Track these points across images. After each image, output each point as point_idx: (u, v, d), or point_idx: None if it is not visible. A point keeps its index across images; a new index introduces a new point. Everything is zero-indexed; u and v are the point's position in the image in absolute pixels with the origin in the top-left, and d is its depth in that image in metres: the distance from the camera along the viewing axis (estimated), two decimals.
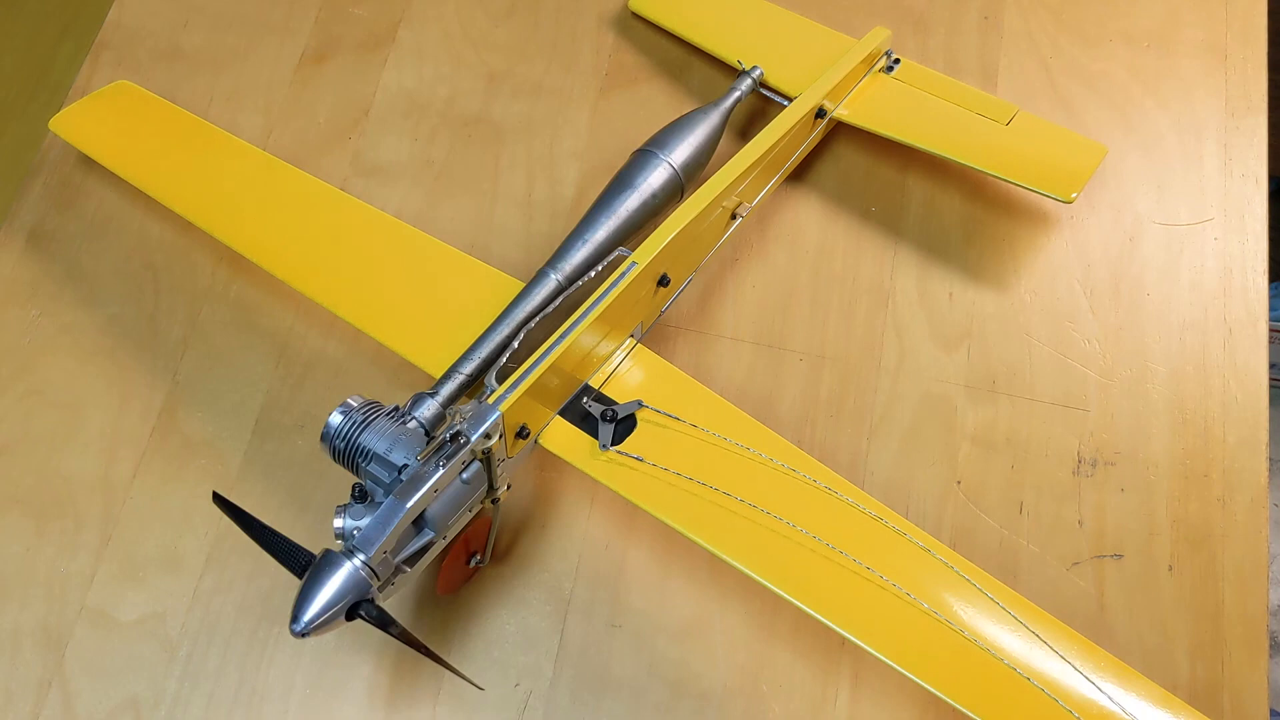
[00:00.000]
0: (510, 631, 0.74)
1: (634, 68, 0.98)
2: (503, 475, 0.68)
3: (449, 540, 0.67)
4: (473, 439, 0.63)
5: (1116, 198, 0.90)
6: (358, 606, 0.60)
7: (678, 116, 0.84)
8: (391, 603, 0.67)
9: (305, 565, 0.61)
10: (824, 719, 0.71)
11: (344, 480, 0.68)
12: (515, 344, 0.69)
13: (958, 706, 0.60)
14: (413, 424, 0.67)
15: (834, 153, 0.93)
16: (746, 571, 0.64)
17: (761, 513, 0.66)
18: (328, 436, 0.66)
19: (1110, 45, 0.97)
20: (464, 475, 0.65)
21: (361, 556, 0.60)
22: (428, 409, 0.68)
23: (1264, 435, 0.80)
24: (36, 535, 0.78)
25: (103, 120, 0.92)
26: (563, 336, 0.68)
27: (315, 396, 0.83)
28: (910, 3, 0.99)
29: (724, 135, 0.86)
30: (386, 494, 0.62)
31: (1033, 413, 0.81)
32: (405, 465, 0.63)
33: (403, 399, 0.69)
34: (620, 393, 0.72)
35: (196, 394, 0.83)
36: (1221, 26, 0.97)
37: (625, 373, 0.74)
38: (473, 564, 0.74)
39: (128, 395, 0.83)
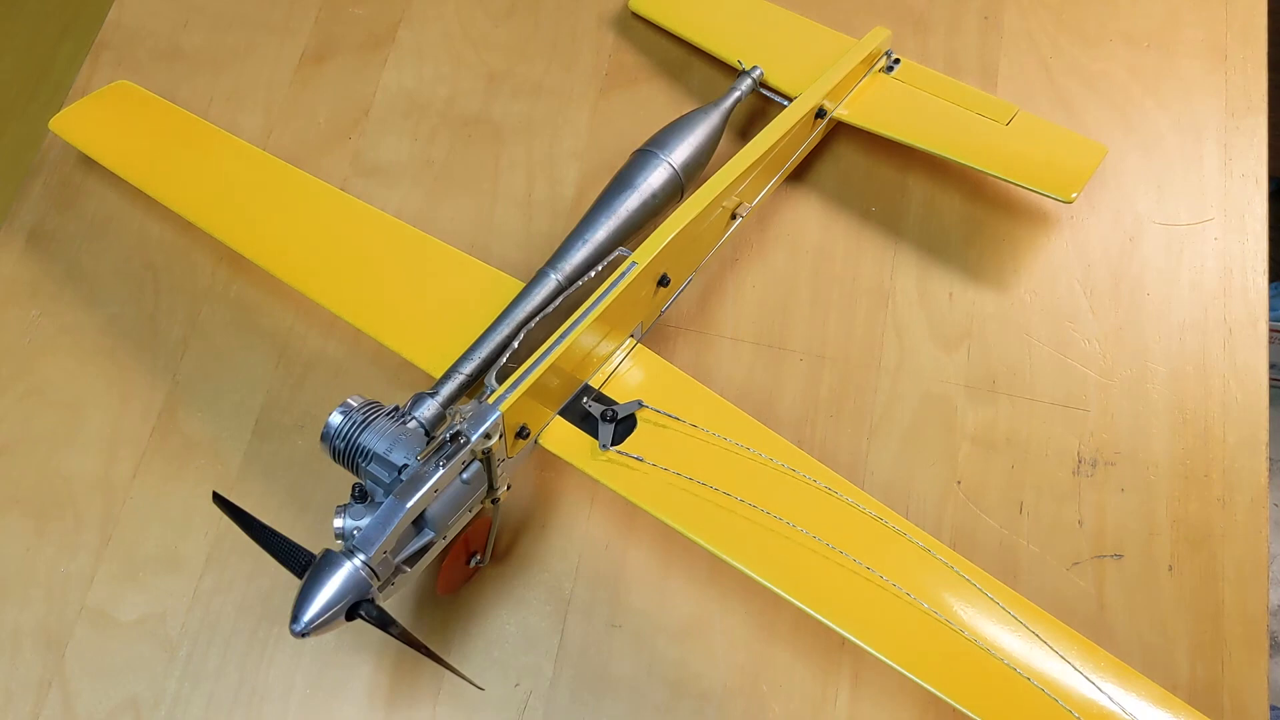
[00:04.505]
0: (510, 631, 0.74)
1: (634, 68, 0.98)
2: (503, 475, 0.68)
3: (449, 540, 0.67)
4: (473, 439, 0.63)
5: (1116, 198, 0.90)
6: (358, 606, 0.60)
7: (678, 116, 0.84)
8: (391, 603, 0.67)
9: (305, 565, 0.61)
10: (824, 719, 0.71)
11: (344, 480, 0.68)
12: (515, 344, 0.69)
13: (958, 706, 0.60)
14: (413, 424, 0.67)
15: (834, 153, 0.93)
16: (746, 571, 0.64)
17: (761, 513, 0.66)
18: (328, 436, 0.66)
19: (1110, 45, 0.97)
20: (464, 475, 0.65)
21: (361, 556, 0.60)
22: (428, 409, 0.68)
23: (1264, 435, 0.80)
24: (36, 535, 0.78)
25: (103, 120, 0.92)
26: (563, 336, 0.68)
27: (315, 396, 0.83)
28: (910, 3, 0.99)
29: (724, 135, 0.86)
30: (386, 494, 0.62)
31: (1033, 413, 0.81)
32: (405, 465, 0.63)
33: (403, 399, 0.69)
34: (620, 393, 0.72)
35: (196, 394, 0.83)
36: (1221, 26, 0.97)
37: (625, 373, 0.74)
38: (473, 564, 0.74)
39: (128, 395, 0.83)
